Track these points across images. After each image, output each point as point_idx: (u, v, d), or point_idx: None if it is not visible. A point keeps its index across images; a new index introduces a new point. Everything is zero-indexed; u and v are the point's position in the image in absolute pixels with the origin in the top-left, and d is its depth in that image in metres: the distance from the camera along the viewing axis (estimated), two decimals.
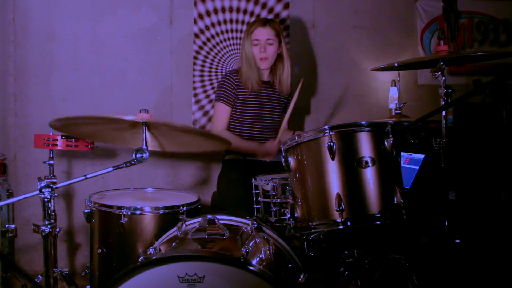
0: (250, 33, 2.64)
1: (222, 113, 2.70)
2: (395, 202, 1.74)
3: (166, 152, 3.21)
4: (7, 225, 2.78)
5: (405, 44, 3.60)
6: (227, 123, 2.71)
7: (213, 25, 3.22)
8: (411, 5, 3.61)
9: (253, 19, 3.24)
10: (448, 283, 2.20)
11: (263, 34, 2.61)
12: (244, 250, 1.58)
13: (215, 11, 3.22)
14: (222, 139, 1.94)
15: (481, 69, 3.62)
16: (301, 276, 1.72)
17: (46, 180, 1.60)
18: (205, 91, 3.24)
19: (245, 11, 3.25)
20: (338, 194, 1.72)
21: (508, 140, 2.47)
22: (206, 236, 1.73)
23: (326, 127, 1.75)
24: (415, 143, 2.80)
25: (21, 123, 3.05)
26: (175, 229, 1.91)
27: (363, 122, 1.78)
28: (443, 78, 2.12)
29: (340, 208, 1.71)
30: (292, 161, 1.87)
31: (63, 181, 1.68)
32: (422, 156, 2.52)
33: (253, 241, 1.78)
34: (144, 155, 1.67)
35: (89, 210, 2.20)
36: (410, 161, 2.58)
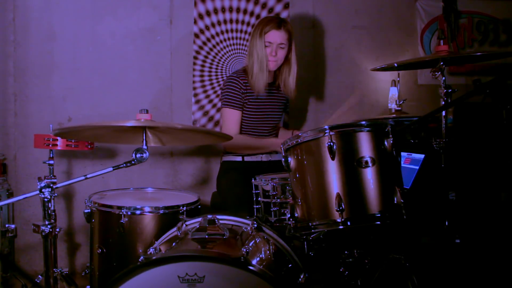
0: (263, 34, 2.54)
1: (232, 119, 2.60)
2: (395, 202, 1.75)
3: (166, 151, 3.23)
4: (7, 225, 2.78)
5: (405, 44, 3.60)
6: (238, 129, 2.63)
7: (213, 25, 3.22)
8: (411, 5, 3.60)
9: (253, 19, 3.24)
10: (448, 283, 2.20)
11: (277, 37, 2.53)
12: (244, 250, 1.58)
13: (215, 11, 3.22)
14: (223, 133, 1.94)
15: (481, 69, 3.62)
16: (301, 276, 1.73)
17: (46, 180, 1.60)
18: (205, 91, 3.24)
19: (245, 11, 3.25)
20: (338, 194, 1.72)
21: (508, 140, 2.47)
22: (206, 236, 1.73)
23: (326, 127, 1.75)
24: (415, 143, 2.80)
25: (21, 123, 3.05)
26: (175, 229, 1.91)
27: (363, 122, 1.78)
28: (443, 78, 2.12)
29: (340, 208, 1.71)
30: (292, 161, 1.87)
31: (63, 181, 1.68)
32: (422, 156, 2.52)
33: (253, 241, 1.78)
34: (144, 155, 1.67)
35: (89, 210, 2.20)
36: (410, 161, 2.58)
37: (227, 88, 2.62)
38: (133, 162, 1.66)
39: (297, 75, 2.68)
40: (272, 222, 2.04)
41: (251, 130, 2.68)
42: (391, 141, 1.77)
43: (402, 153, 2.59)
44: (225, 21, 3.23)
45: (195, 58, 3.22)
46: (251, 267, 1.50)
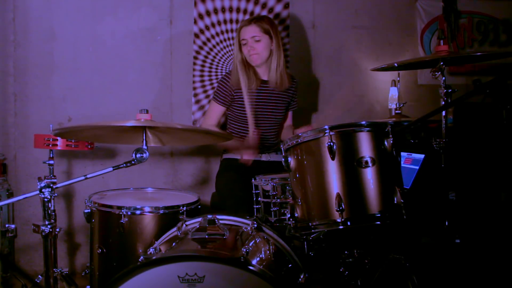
0: (238, 34, 2.66)
1: (213, 112, 2.73)
2: (395, 202, 1.75)
3: (166, 151, 3.23)
4: (7, 225, 2.78)
5: (405, 44, 3.60)
6: (217, 121, 2.76)
7: (213, 25, 3.22)
8: (411, 5, 3.60)
9: None
10: (448, 283, 2.20)
11: (247, 32, 2.60)
12: (244, 250, 1.58)
13: (215, 11, 3.22)
14: (223, 133, 1.95)
15: (481, 69, 3.62)
16: (301, 276, 1.72)
17: (46, 180, 1.60)
18: (205, 91, 3.24)
19: (245, 11, 3.25)
20: (338, 194, 1.72)
21: (508, 140, 2.47)
22: (206, 236, 1.73)
23: (326, 127, 1.76)
24: (415, 143, 2.80)
25: (21, 123, 3.06)
26: (175, 229, 1.91)
27: (363, 122, 1.78)
28: (443, 78, 2.12)
29: (340, 208, 1.71)
30: (292, 161, 1.87)
31: (63, 181, 1.68)
32: (422, 156, 2.52)
33: (253, 241, 1.78)
34: (144, 155, 1.67)
35: (89, 210, 2.20)
36: (410, 161, 2.58)
37: (218, 84, 2.75)
38: (133, 162, 1.66)
39: (283, 67, 2.68)
40: (272, 222, 2.04)
41: (247, 128, 2.68)
42: (391, 141, 1.77)
43: (402, 153, 2.59)
44: (225, 21, 3.23)
45: (195, 58, 3.22)
46: (251, 267, 1.50)
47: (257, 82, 2.67)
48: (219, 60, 3.24)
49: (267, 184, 2.08)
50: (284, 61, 2.70)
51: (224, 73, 2.98)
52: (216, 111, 2.73)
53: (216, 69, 3.24)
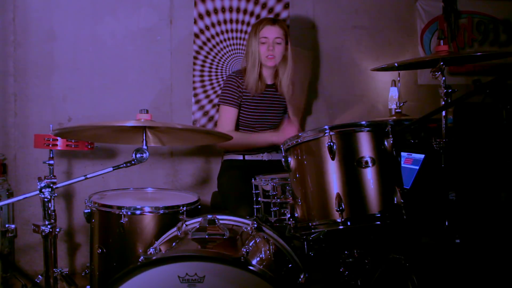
0: (258, 31, 2.58)
1: (227, 116, 2.62)
2: (395, 202, 1.75)
3: (166, 151, 3.23)
4: (7, 225, 2.78)
5: (405, 44, 3.59)
6: (233, 126, 2.63)
7: (213, 25, 3.22)
8: (411, 5, 3.60)
9: (253, 19, 3.24)
10: (448, 283, 2.20)
11: (272, 32, 2.56)
12: (244, 250, 1.58)
13: (215, 11, 3.22)
14: (223, 133, 1.95)
15: (481, 69, 3.62)
16: (301, 276, 1.73)
17: (46, 180, 1.60)
18: (205, 91, 3.24)
19: (245, 11, 3.25)
20: (338, 194, 1.72)
21: (508, 140, 2.47)
22: (206, 236, 1.74)
23: (326, 127, 1.76)
24: (415, 143, 2.80)
25: (21, 123, 3.05)
26: (175, 229, 1.91)
27: (363, 122, 1.78)
28: (443, 78, 2.12)
29: (340, 208, 1.71)
30: (292, 161, 1.87)
31: (63, 181, 1.68)
32: (422, 156, 2.52)
33: (253, 241, 1.78)
34: (144, 155, 1.67)
35: (89, 210, 2.20)
36: (410, 161, 2.58)
37: (225, 86, 2.67)
38: (133, 162, 1.67)
39: (292, 75, 2.67)
40: (272, 222, 2.03)
41: (249, 131, 2.68)
42: (391, 141, 1.77)
43: (402, 153, 2.59)
44: (225, 21, 3.23)
45: (195, 58, 3.22)
46: (251, 267, 1.50)
47: (262, 85, 2.66)
48: (219, 60, 3.24)
49: (267, 184, 2.08)
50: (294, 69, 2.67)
51: (227, 74, 2.97)
52: (229, 116, 2.61)
53: (216, 69, 3.24)
